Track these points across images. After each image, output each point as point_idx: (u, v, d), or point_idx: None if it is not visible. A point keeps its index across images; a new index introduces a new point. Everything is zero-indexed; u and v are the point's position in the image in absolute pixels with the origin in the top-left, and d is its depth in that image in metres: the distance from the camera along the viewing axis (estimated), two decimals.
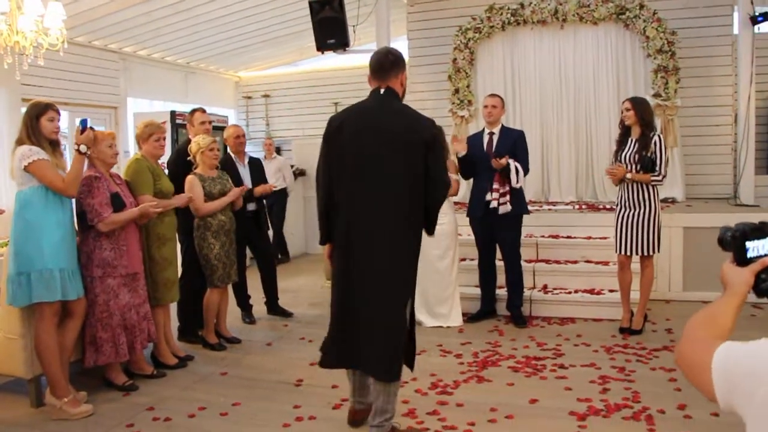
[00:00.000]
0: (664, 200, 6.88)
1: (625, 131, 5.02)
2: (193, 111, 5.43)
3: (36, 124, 3.66)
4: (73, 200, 3.88)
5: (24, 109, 6.10)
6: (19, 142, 3.66)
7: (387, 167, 3.09)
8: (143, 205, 4.14)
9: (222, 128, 7.89)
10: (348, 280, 3.21)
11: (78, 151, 3.73)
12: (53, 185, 3.63)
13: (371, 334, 3.14)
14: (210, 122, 5.40)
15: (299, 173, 9.43)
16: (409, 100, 8.46)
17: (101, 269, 3.97)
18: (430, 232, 3.37)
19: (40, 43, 4.94)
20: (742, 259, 1.38)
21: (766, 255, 1.37)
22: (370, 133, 3.12)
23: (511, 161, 5.21)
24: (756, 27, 6.46)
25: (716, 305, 1.37)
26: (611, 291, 5.59)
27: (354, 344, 3.20)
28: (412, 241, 3.21)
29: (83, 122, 3.79)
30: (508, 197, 5.26)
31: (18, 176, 3.64)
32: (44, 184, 3.63)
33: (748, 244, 1.38)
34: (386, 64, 3.22)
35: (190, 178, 4.84)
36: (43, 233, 3.61)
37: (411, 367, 3.43)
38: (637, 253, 4.97)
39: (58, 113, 3.78)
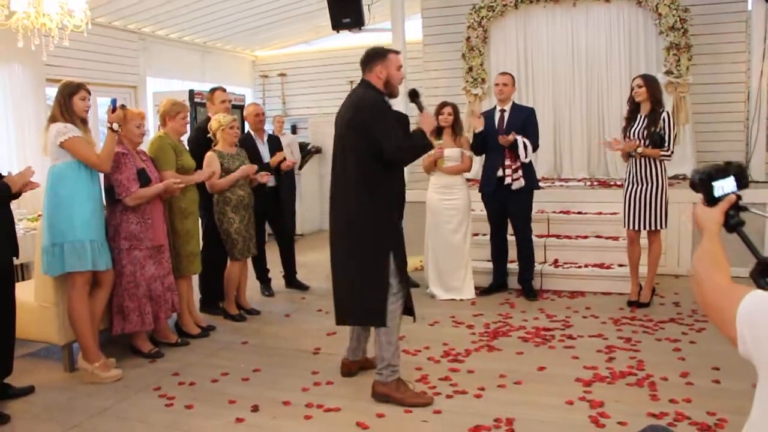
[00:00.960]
0: (675, 177, 6.94)
1: (634, 108, 5.10)
2: (214, 90, 5.56)
3: (69, 103, 3.84)
4: (101, 175, 4.06)
5: (48, 89, 6.34)
6: (52, 120, 3.84)
7: (343, 146, 3.60)
8: (167, 181, 4.32)
9: (239, 107, 8.04)
10: (331, 246, 3.77)
11: (111, 128, 3.92)
12: (89, 161, 3.83)
13: (344, 290, 3.65)
14: (230, 101, 5.55)
15: (315, 151, 9.57)
16: (422, 78, 8.58)
17: (128, 241, 4.17)
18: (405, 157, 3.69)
19: (65, 25, 5.10)
20: (710, 199, 1.50)
21: (731, 192, 1.49)
22: (338, 118, 3.68)
23: (518, 137, 5.32)
24: None
25: (708, 247, 1.47)
26: (620, 265, 5.71)
27: (338, 302, 3.70)
28: (362, 210, 3.54)
29: (113, 101, 3.98)
30: (521, 172, 5.38)
31: (52, 152, 3.83)
32: (79, 160, 3.82)
33: (715, 183, 1.49)
34: (361, 62, 3.70)
35: (209, 154, 5.00)
36: (75, 206, 3.81)
37: (413, 315, 3.77)
38: (645, 228, 5.08)
39: (89, 93, 3.96)
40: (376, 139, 3.45)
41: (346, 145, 3.57)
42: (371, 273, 3.53)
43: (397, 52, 3.72)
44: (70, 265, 3.81)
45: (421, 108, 3.78)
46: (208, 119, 5.31)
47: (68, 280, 3.93)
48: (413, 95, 3.75)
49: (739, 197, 1.50)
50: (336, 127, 3.68)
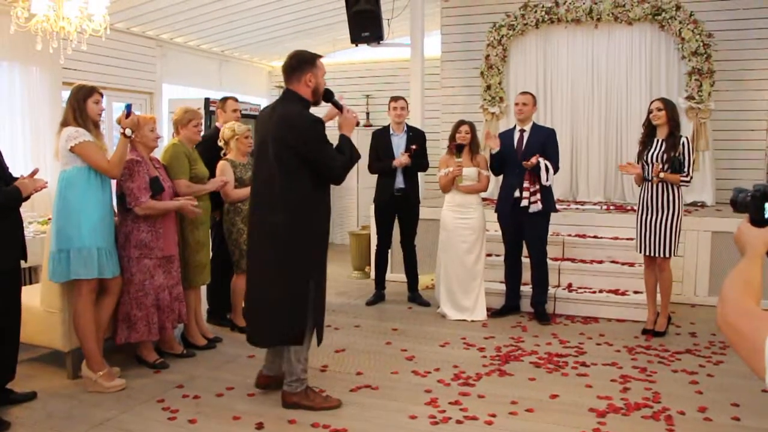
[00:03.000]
0: (693, 204, 6.84)
1: (649, 132, 5.00)
2: (225, 99, 5.54)
3: (83, 106, 3.80)
4: (113, 182, 4.01)
5: (65, 93, 6.33)
6: (65, 124, 3.80)
7: (268, 162, 3.47)
8: (184, 201, 4.27)
9: (254, 116, 7.99)
10: (249, 259, 3.73)
11: (123, 134, 3.87)
12: (98, 166, 3.77)
13: (258, 309, 3.63)
14: (240, 110, 5.51)
15: None
16: (440, 95, 8.55)
17: (138, 250, 4.10)
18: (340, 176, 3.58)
19: (84, 29, 5.09)
20: (759, 219, 1.39)
21: None
22: (260, 130, 3.61)
23: (541, 160, 5.24)
24: None
25: (745, 270, 1.35)
26: (636, 292, 5.61)
27: (253, 319, 3.73)
28: (287, 226, 3.45)
29: (128, 106, 3.93)
30: (539, 195, 5.29)
31: (63, 156, 3.78)
32: (89, 165, 3.77)
33: (767, 204, 1.39)
34: (288, 68, 3.54)
35: (222, 163, 4.94)
36: (83, 213, 3.75)
37: (318, 341, 3.74)
38: (653, 255, 4.96)
39: (102, 96, 3.92)
40: (316, 162, 3.42)
41: (278, 161, 3.44)
42: (293, 293, 3.50)
43: (321, 57, 3.61)
44: (75, 273, 3.75)
45: (339, 108, 3.67)
46: (217, 129, 5.26)
47: (74, 287, 3.87)
48: (328, 95, 3.62)
49: None
50: (262, 138, 3.55)
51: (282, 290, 3.50)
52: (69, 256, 3.75)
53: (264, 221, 3.52)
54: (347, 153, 3.55)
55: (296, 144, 3.40)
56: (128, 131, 3.88)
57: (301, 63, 3.50)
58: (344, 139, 3.59)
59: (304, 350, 3.63)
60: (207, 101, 8.17)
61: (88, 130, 3.77)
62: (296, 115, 3.46)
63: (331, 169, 3.47)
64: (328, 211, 3.68)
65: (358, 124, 3.70)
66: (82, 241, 3.75)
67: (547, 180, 5.26)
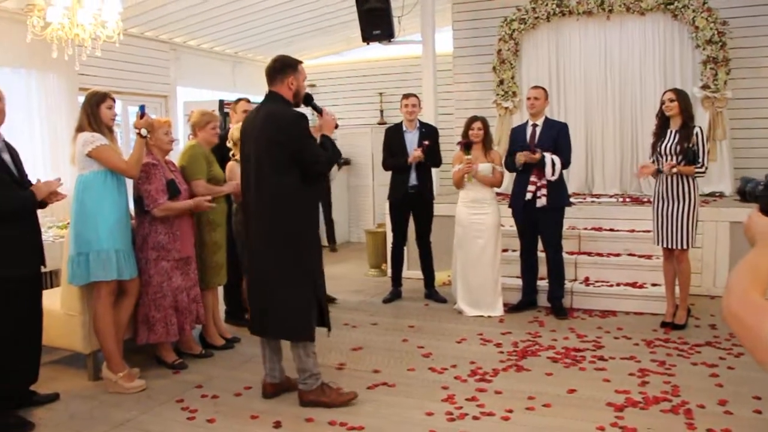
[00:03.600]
0: (711, 194, 6.77)
1: (663, 123, 4.96)
2: (238, 100, 5.61)
3: (96, 111, 3.87)
4: (129, 185, 4.07)
5: (81, 98, 6.42)
6: (80, 129, 3.87)
7: (257, 161, 3.55)
8: (198, 198, 4.33)
9: None
10: (251, 260, 3.73)
11: (139, 134, 3.96)
12: (117, 168, 3.85)
13: (265, 306, 3.63)
14: None
15: (344, 162, 9.55)
16: (452, 90, 8.50)
17: (156, 252, 4.16)
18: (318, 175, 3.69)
19: (98, 35, 5.16)
20: None
21: None
22: (249, 132, 3.65)
23: (546, 154, 5.21)
24: None
25: (754, 260, 1.33)
26: (654, 285, 5.56)
27: (258, 315, 3.72)
28: (285, 223, 3.52)
29: (141, 108, 4.02)
30: (544, 190, 5.26)
31: (79, 161, 3.85)
32: (107, 168, 3.84)
33: None
34: (271, 71, 3.64)
35: (231, 164, 4.94)
36: (101, 216, 3.81)
37: (328, 330, 3.83)
38: (671, 246, 4.92)
39: (114, 101, 3.99)
40: (304, 158, 3.48)
41: (268, 158, 3.50)
42: (299, 289, 3.56)
43: (302, 62, 3.70)
44: (94, 275, 3.82)
45: (319, 111, 3.77)
46: (228, 130, 5.29)
47: (94, 290, 3.93)
48: (308, 99, 3.73)
49: None
50: (249, 142, 3.61)
51: (285, 289, 3.56)
52: (88, 259, 3.81)
53: (258, 221, 3.60)
54: (330, 150, 3.65)
55: (283, 139, 3.46)
56: (143, 132, 3.97)
57: (284, 66, 3.61)
58: (326, 139, 3.70)
59: (310, 344, 3.65)
60: (221, 103, 8.23)
61: (103, 135, 3.84)
62: (282, 112, 3.55)
63: (316, 164, 3.54)
64: (317, 206, 3.77)
65: (336, 126, 3.81)
66: (101, 244, 3.81)
67: (553, 175, 5.22)
